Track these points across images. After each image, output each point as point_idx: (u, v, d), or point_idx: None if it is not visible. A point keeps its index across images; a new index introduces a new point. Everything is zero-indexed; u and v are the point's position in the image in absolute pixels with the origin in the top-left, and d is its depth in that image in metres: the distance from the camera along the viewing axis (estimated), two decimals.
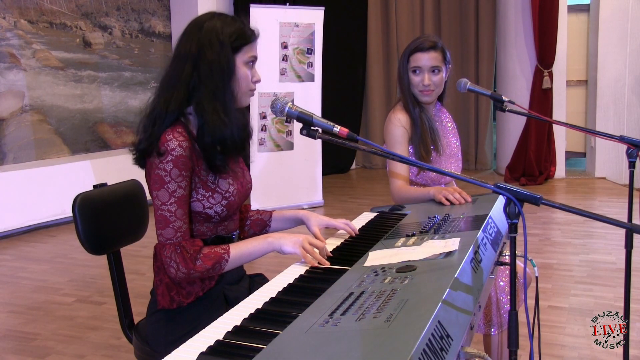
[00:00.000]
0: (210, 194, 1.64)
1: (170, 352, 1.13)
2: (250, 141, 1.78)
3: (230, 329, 1.20)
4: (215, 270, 1.60)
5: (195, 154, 1.61)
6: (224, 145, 1.62)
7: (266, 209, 2.04)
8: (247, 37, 1.65)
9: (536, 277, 1.62)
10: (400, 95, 2.37)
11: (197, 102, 1.61)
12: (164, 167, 1.55)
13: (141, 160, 1.62)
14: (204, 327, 1.24)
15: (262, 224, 1.95)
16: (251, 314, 1.27)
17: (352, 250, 1.66)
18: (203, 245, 1.61)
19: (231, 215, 1.72)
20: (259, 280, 1.87)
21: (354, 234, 1.84)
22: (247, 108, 1.82)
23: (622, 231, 2.72)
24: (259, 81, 1.71)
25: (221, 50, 1.60)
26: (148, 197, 2.01)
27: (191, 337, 1.20)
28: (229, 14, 1.72)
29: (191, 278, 1.59)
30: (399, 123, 2.30)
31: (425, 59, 2.25)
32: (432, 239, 1.57)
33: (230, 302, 1.66)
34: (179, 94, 1.60)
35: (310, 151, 5.98)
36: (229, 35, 1.61)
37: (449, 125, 2.45)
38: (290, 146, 5.92)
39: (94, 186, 1.89)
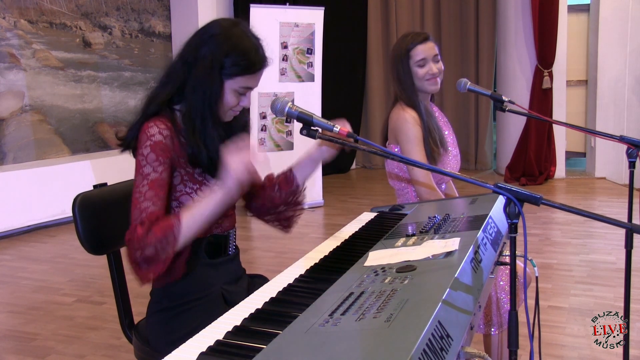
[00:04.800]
0: (198, 186, 1.62)
1: (170, 352, 1.13)
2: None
3: (230, 329, 1.20)
4: (168, 239, 1.46)
5: (179, 145, 1.58)
6: (196, 163, 1.60)
7: None
8: (248, 67, 1.59)
9: (536, 277, 1.62)
10: (402, 95, 2.32)
11: (186, 106, 1.59)
12: (142, 152, 1.53)
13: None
14: (203, 328, 1.24)
15: (288, 180, 1.82)
16: (251, 314, 1.27)
17: (352, 250, 1.66)
18: (162, 217, 1.50)
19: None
20: (259, 281, 1.87)
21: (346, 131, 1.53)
22: (247, 109, 1.80)
23: (622, 231, 2.72)
24: (245, 107, 1.67)
25: (211, 72, 1.56)
26: None
27: (191, 337, 1.20)
28: (250, 28, 1.68)
29: (146, 254, 1.44)
30: (414, 121, 2.24)
31: (426, 49, 2.29)
32: (432, 239, 1.57)
33: (228, 303, 1.66)
34: (165, 94, 1.60)
35: None
36: (230, 58, 1.56)
37: (442, 119, 2.44)
38: (290, 146, 5.92)
39: (94, 186, 1.89)
